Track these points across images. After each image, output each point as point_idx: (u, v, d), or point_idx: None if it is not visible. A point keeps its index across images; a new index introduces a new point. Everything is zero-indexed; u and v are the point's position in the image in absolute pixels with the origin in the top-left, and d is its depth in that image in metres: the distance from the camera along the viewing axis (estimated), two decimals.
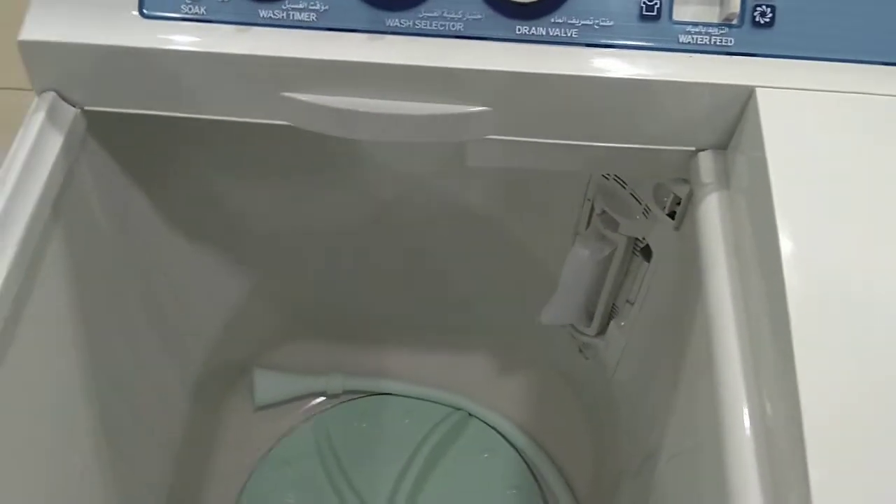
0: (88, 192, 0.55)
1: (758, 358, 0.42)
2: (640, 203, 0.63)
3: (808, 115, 0.45)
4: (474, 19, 0.47)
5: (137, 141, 0.59)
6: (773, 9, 0.46)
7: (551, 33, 0.47)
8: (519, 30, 0.47)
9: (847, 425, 0.36)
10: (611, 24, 0.46)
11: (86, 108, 0.51)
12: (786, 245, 0.40)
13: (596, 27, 0.47)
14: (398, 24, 0.47)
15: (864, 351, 0.37)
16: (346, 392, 0.94)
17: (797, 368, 0.37)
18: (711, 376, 0.43)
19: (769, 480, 0.38)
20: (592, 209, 0.71)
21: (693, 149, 0.50)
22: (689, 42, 0.46)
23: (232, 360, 0.91)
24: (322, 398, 0.94)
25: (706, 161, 0.50)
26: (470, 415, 0.93)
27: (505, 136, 0.50)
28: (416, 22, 0.47)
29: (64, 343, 0.56)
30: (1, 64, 0.64)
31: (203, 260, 0.77)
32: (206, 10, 0.47)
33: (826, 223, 0.41)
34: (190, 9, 0.47)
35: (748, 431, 0.40)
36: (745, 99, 0.46)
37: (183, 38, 0.47)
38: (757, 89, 0.45)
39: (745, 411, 0.40)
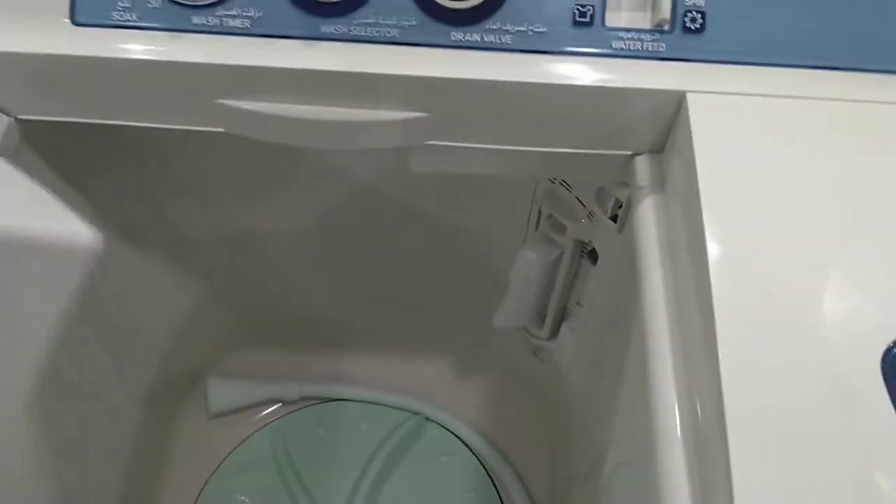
0: None
1: (689, 360, 0.42)
2: (585, 207, 0.64)
3: (738, 118, 0.45)
4: (409, 26, 0.47)
5: (74, 149, 0.58)
6: (704, 15, 0.47)
7: (486, 39, 0.47)
8: (454, 36, 0.47)
9: (770, 426, 0.36)
10: (545, 30, 0.47)
11: (19, 116, 0.50)
12: (712, 246, 0.41)
13: (530, 33, 0.47)
14: (333, 31, 0.47)
15: (787, 351, 0.38)
16: (302, 398, 0.94)
17: (721, 370, 0.37)
18: (645, 381, 0.43)
19: (699, 484, 0.38)
20: (540, 213, 0.71)
21: (630, 153, 0.51)
22: (621, 48, 0.47)
23: (184, 368, 0.90)
24: (278, 405, 0.94)
25: (642, 165, 0.50)
26: (427, 419, 0.93)
27: (444, 141, 0.50)
28: (352, 28, 0.47)
29: (5, 355, 0.55)
30: None
31: (149, 268, 0.77)
32: (138, 16, 0.47)
33: (753, 225, 0.42)
34: (122, 16, 0.47)
35: (678, 433, 0.40)
36: (677, 103, 0.47)
37: (115, 45, 0.46)
38: (688, 94, 0.46)
39: (677, 416, 0.41)
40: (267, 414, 0.93)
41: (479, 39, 0.47)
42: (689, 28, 0.47)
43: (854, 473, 0.34)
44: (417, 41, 0.47)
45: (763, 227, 0.42)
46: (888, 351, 0.37)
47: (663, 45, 0.47)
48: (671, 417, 0.41)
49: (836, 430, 0.35)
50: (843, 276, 0.40)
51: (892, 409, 0.36)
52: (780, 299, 0.39)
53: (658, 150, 0.50)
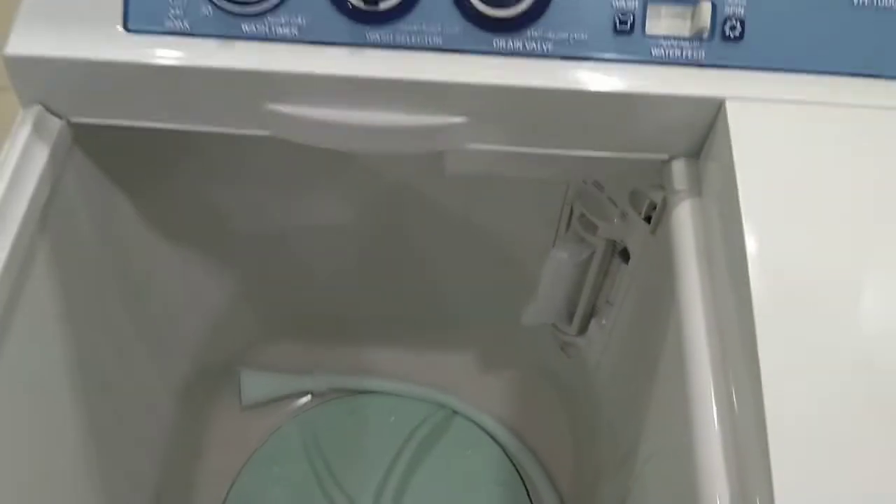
0: (75, 201, 0.56)
1: (727, 358, 0.43)
2: (617, 207, 0.65)
3: (776, 124, 0.46)
4: (453, 33, 0.48)
5: (122, 149, 0.59)
6: (743, 23, 0.47)
7: (528, 47, 0.48)
8: (496, 43, 0.48)
9: (810, 424, 0.37)
10: (585, 37, 0.48)
11: (72, 119, 0.52)
12: (752, 249, 0.42)
13: (571, 41, 0.48)
14: (378, 38, 0.48)
15: (826, 351, 0.39)
16: (331, 390, 0.95)
17: (761, 368, 0.38)
18: (683, 376, 0.45)
19: (737, 480, 0.39)
20: (572, 212, 0.72)
21: (667, 156, 0.52)
22: (661, 55, 0.48)
23: (218, 360, 0.92)
24: (308, 397, 0.96)
25: (679, 169, 0.51)
26: (454, 412, 0.95)
27: (483, 145, 0.51)
28: (397, 36, 0.48)
29: (51, 349, 0.57)
30: None
31: (187, 263, 0.78)
32: (189, 24, 0.48)
33: (791, 229, 0.43)
34: (174, 24, 0.48)
35: (717, 430, 0.41)
36: (715, 109, 0.47)
37: (167, 52, 0.48)
38: (727, 100, 0.47)
39: (714, 410, 0.42)
40: (298, 406, 0.95)
41: (521, 47, 0.48)
42: (729, 36, 0.48)
43: (892, 475, 0.36)
44: (461, 48, 0.48)
45: (801, 230, 0.43)
46: None
47: (703, 52, 0.48)
48: (709, 411, 0.42)
49: (874, 432, 0.37)
50: (882, 279, 0.41)
51: None
52: (818, 301, 0.40)
53: (694, 154, 0.51)
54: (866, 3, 0.47)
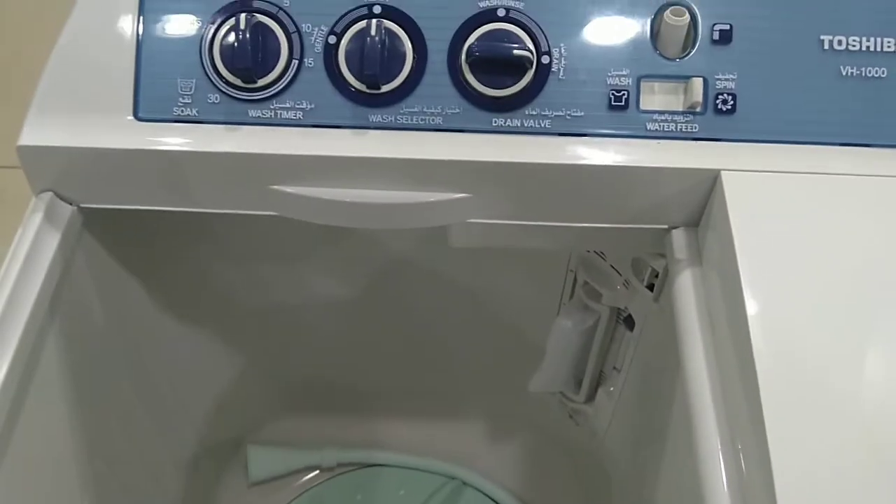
0: (84, 284, 0.57)
1: (733, 424, 0.43)
2: (621, 275, 0.66)
3: (771, 194, 0.47)
4: (453, 113, 0.49)
5: (131, 231, 0.60)
6: (735, 96, 0.49)
7: (526, 124, 0.49)
8: (495, 122, 0.49)
9: (818, 494, 0.37)
10: (581, 114, 0.49)
11: (82, 205, 0.53)
12: (753, 317, 0.42)
13: (568, 118, 0.49)
14: (381, 120, 0.49)
15: (830, 421, 0.39)
16: (339, 465, 0.95)
17: (767, 432, 0.38)
18: (691, 444, 0.45)
19: None
20: (575, 280, 0.73)
21: (666, 226, 0.53)
22: (656, 129, 0.49)
23: (225, 436, 0.91)
24: (316, 472, 0.95)
25: (679, 238, 0.52)
26: (465, 483, 0.94)
27: (485, 219, 0.52)
28: (398, 117, 0.49)
29: (60, 427, 0.57)
30: None
31: (195, 340, 0.79)
32: (198, 111, 0.50)
33: (791, 296, 0.43)
34: (182, 111, 0.50)
35: (726, 493, 0.41)
36: (711, 181, 0.49)
37: (176, 139, 0.49)
38: (722, 172, 0.48)
39: (723, 475, 0.42)
40: (306, 481, 0.94)
41: (519, 125, 0.49)
42: (721, 109, 0.49)
43: None
44: (461, 128, 0.49)
45: (800, 299, 0.43)
46: None
47: (696, 125, 0.49)
48: (719, 479, 0.42)
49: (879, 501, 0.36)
50: (882, 347, 0.41)
51: None
52: (820, 369, 0.41)
53: (694, 223, 0.52)
54: (854, 74, 0.49)
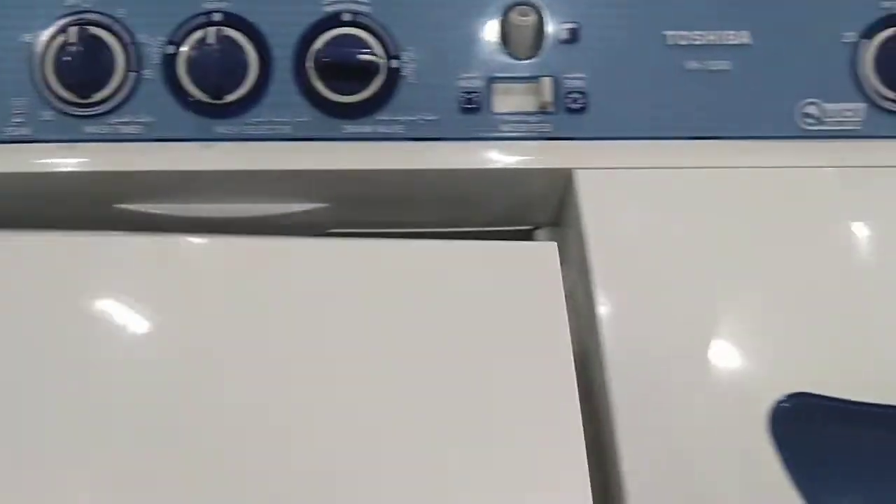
0: None
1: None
2: None
3: (624, 191, 0.47)
4: (302, 122, 0.48)
5: None
6: (585, 95, 0.49)
7: (378, 130, 0.48)
8: (346, 129, 0.48)
9: (666, 487, 0.37)
10: (435, 118, 0.48)
11: None
12: (604, 315, 0.42)
13: (421, 122, 0.48)
14: (227, 131, 0.48)
15: (680, 414, 0.39)
16: None
17: (618, 435, 0.38)
18: None
19: None
20: None
21: (530, 227, 0.52)
22: (509, 131, 0.49)
23: None
24: None
25: (541, 238, 0.52)
26: None
27: (344, 228, 0.51)
28: (245, 128, 0.48)
29: None
30: None
31: None
32: (32, 130, 0.47)
33: (643, 292, 0.43)
34: (14, 131, 0.47)
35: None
36: (566, 180, 0.48)
37: (8, 159, 0.47)
38: (575, 171, 0.48)
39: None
40: None
41: (371, 131, 0.48)
42: (572, 108, 0.49)
43: None
44: (311, 136, 0.48)
45: (652, 293, 0.43)
46: (774, 408, 0.39)
47: (549, 125, 0.49)
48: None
49: (730, 491, 0.37)
50: (729, 337, 0.42)
51: (779, 466, 0.37)
52: (671, 363, 0.41)
53: (556, 223, 0.52)
54: (698, 67, 0.49)
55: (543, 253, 0.43)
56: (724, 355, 0.41)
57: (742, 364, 0.41)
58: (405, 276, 0.42)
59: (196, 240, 0.44)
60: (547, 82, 0.48)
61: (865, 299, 0.44)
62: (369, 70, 0.47)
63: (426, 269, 0.42)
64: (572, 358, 0.39)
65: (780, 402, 0.39)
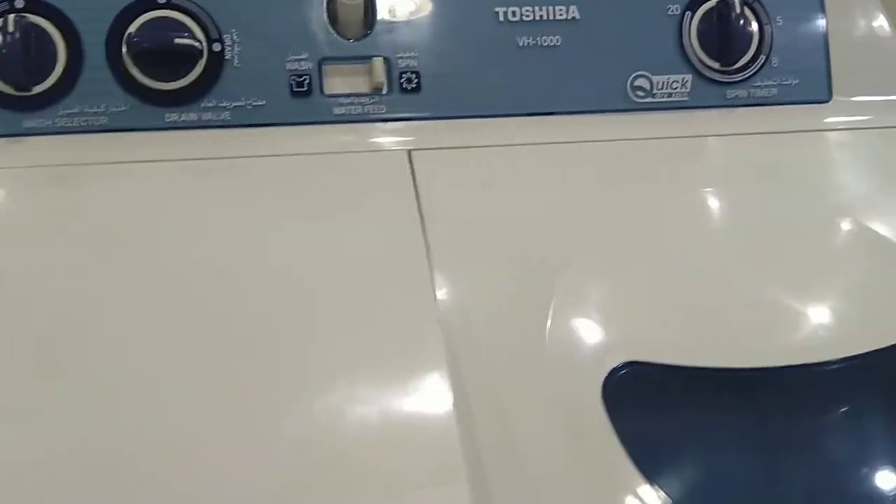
0: None
1: None
2: None
3: (460, 170, 0.47)
4: (119, 111, 0.45)
5: None
6: (418, 74, 0.48)
7: (204, 118, 0.46)
8: (169, 118, 0.46)
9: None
10: (263, 103, 0.46)
11: None
12: (440, 293, 0.41)
13: (249, 108, 0.46)
14: (36, 125, 0.44)
15: (521, 389, 0.39)
16: None
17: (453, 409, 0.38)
18: None
19: None
20: None
21: None
22: (343, 113, 0.47)
23: None
24: None
25: None
26: None
27: None
28: (56, 120, 0.44)
29: None
30: None
31: None
32: None
33: (477, 267, 0.43)
34: None
35: None
36: (405, 161, 0.47)
37: None
38: (412, 152, 0.47)
39: None
40: None
41: (196, 119, 0.46)
42: (406, 88, 0.48)
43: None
44: (130, 126, 0.45)
45: (489, 269, 0.43)
46: (608, 377, 0.39)
47: (383, 106, 0.48)
48: None
49: (562, 460, 0.37)
50: (564, 309, 0.42)
51: (612, 434, 0.37)
52: (507, 337, 0.40)
53: None
54: (530, 44, 0.49)
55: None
56: (560, 327, 0.41)
57: (578, 335, 0.41)
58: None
59: None
60: (379, 62, 0.47)
61: (699, 266, 0.45)
62: (189, 54, 0.45)
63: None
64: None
65: (614, 370, 0.39)
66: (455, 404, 0.36)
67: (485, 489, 0.35)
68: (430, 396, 0.36)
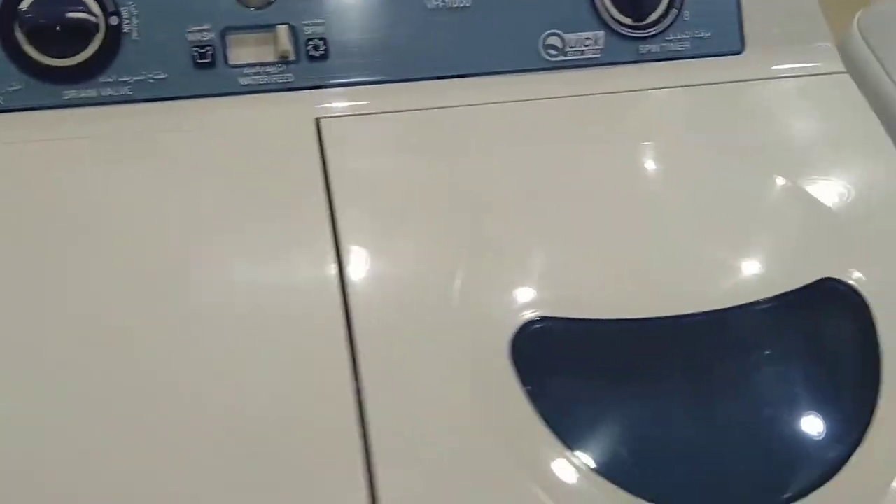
0: None
1: None
2: None
3: (368, 136, 0.46)
4: (14, 90, 0.44)
5: None
6: (326, 41, 0.47)
7: (103, 94, 0.45)
8: (66, 95, 0.44)
9: (410, 421, 0.36)
10: (165, 76, 0.45)
11: None
12: (347, 257, 0.41)
13: (151, 81, 0.45)
14: None
15: (425, 349, 0.38)
16: None
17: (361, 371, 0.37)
18: None
19: None
20: None
21: None
22: (249, 84, 0.46)
23: None
24: None
25: None
26: None
27: None
28: None
29: None
30: None
31: None
32: None
33: (385, 232, 0.42)
34: None
35: None
36: (312, 130, 0.46)
37: None
38: (321, 119, 0.46)
39: None
40: None
41: (95, 95, 0.45)
42: (314, 56, 0.47)
43: (489, 462, 0.35)
44: (26, 105, 0.44)
45: (397, 232, 0.42)
46: (515, 334, 0.38)
47: (291, 75, 0.47)
48: None
49: (469, 416, 0.36)
50: (472, 269, 0.41)
51: (519, 390, 0.37)
52: (415, 300, 0.40)
53: None
54: (440, 6, 0.48)
55: None
56: (470, 286, 0.40)
57: (488, 293, 0.40)
58: None
59: None
60: (284, 30, 0.46)
61: (615, 221, 0.45)
62: (85, 29, 0.44)
63: None
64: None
65: (522, 326, 0.39)
66: (353, 371, 0.35)
67: (383, 451, 0.34)
68: (326, 366, 0.36)
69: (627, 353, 0.39)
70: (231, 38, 0.46)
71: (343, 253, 0.40)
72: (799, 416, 0.39)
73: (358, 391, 0.36)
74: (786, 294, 0.41)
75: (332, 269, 0.39)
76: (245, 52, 0.46)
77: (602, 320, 0.40)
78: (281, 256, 0.40)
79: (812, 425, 0.38)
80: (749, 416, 0.39)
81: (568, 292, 0.41)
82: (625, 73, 0.49)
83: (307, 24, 0.47)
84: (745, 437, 0.39)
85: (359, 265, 0.40)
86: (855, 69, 0.54)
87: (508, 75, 0.48)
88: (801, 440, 0.38)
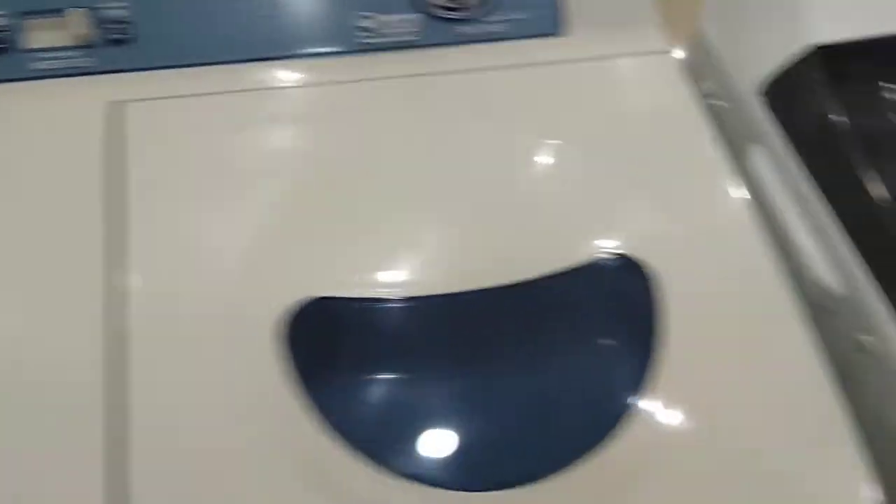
0: None
1: None
2: None
3: (174, 120, 0.45)
4: None
5: None
6: (129, 24, 0.46)
7: None
8: None
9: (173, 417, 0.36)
10: None
11: None
12: (135, 242, 0.40)
13: None
14: None
15: (195, 333, 0.38)
16: None
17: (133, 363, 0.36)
18: None
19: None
20: None
21: None
22: (44, 69, 0.45)
23: None
24: None
25: None
26: None
27: None
28: None
29: None
30: None
31: None
32: None
33: (182, 220, 0.41)
34: None
35: None
36: (105, 115, 0.45)
37: None
38: (127, 104, 0.45)
39: None
40: None
41: None
42: (116, 39, 0.46)
43: (251, 446, 0.35)
44: None
45: (185, 216, 0.42)
46: (287, 316, 0.38)
47: (91, 59, 0.45)
48: None
49: (237, 398, 0.35)
50: (254, 253, 0.40)
51: (290, 371, 0.36)
52: (195, 284, 0.39)
53: None
54: None
55: None
56: (241, 273, 0.39)
57: (257, 280, 0.39)
58: None
59: None
60: (78, 13, 0.45)
61: (410, 201, 0.44)
62: None
63: None
64: None
65: (294, 309, 0.38)
66: (106, 373, 0.35)
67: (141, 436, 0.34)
68: (78, 372, 0.35)
69: (401, 332, 0.39)
70: (28, 22, 0.45)
71: (130, 235, 0.39)
72: (574, 388, 0.38)
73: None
74: (567, 270, 0.40)
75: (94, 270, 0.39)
76: (41, 36, 0.45)
77: (377, 299, 0.39)
78: (44, 254, 0.39)
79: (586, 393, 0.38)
80: (523, 389, 0.38)
81: (348, 275, 0.40)
82: (441, 56, 0.48)
83: (108, 8, 0.45)
84: (518, 411, 0.38)
85: (144, 247, 0.39)
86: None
87: (321, 58, 0.48)
88: (577, 409, 0.37)
